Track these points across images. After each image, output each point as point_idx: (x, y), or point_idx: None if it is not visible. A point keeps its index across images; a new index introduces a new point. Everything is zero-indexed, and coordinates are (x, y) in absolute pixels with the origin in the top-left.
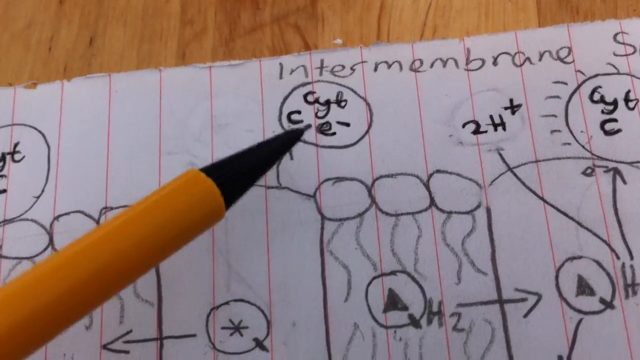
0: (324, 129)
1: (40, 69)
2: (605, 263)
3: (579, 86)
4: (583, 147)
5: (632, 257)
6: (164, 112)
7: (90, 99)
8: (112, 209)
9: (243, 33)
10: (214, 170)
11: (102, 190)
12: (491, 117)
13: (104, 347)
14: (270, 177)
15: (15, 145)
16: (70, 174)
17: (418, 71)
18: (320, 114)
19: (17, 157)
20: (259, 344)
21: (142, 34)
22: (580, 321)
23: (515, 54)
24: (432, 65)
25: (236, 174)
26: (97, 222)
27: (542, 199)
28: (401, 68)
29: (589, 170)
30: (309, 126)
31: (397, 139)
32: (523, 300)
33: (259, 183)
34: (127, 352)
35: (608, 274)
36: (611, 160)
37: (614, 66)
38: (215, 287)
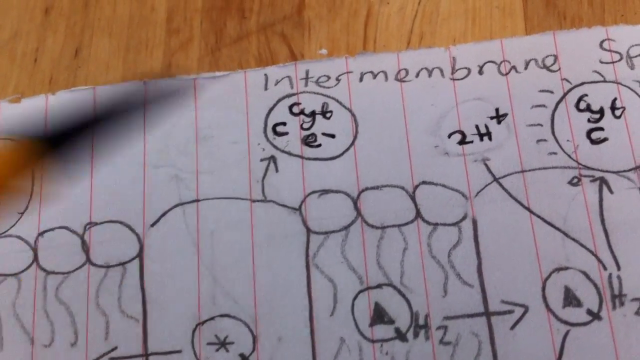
0: (309, 141)
1: (26, 80)
2: (592, 274)
3: (564, 94)
4: (569, 156)
5: (619, 268)
6: (148, 124)
7: (75, 112)
8: (96, 224)
9: (229, 42)
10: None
11: (87, 205)
12: (477, 126)
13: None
14: (255, 190)
15: None
16: (54, 189)
17: (403, 81)
18: (305, 125)
19: None
20: (245, 359)
21: (127, 43)
22: (567, 333)
23: (501, 62)
24: (417, 75)
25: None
26: (82, 237)
27: (528, 209)
28: (387, 78)
29: (575, 180)
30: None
31: (383, 150)
32: (510, 312)
33: (244, 196)
34: None
35: (595, 285)
36: (597, 170)
37: (600, 74)
38: (201, 302)
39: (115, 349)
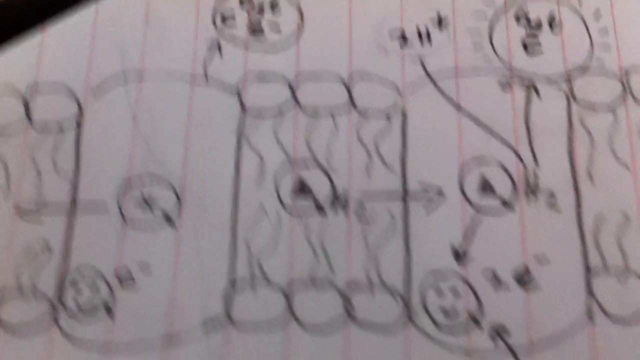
0: (255, 30)
1: None
2: (510, 167)
3: (505, 4)
4: (503, 62)
5: (537, 164)
6: (100, 21)
7: None
8: (39, 84)
9: None
10: None
11: (33, 65)
12: (417, 27)
13: (18, 212)
14: (197, 70)
15: None
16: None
17: None
18: (253, 16)
19: None
20: (168, 218)
21: None
22: (479, 220)
23: None
24: None
25: None
26: (24, 97)
27: (457, 106)
28: None
29: (506, 84)
30: None
31: (325, 41)
32: (426, 197)
33: (185, 75)
34: (39, 218)
35: (511, 178)
36: (529, 78)
37: None
38: (132, 166)
39: (44, 199)
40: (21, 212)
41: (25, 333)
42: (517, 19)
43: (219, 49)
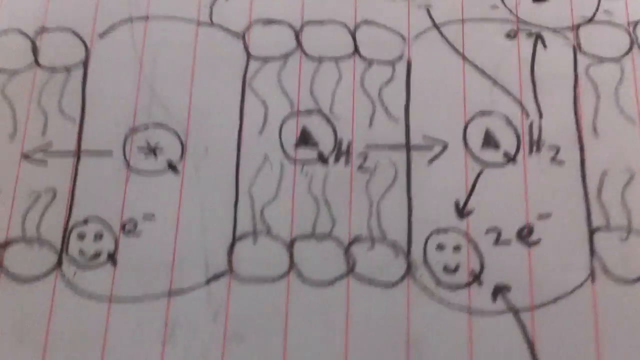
0: None
1: None
2: (514, 120)
3: None
4: (510, 10)
5: (541, 116)
6: None
7: None
8: (47, 29)
9: None
10: None
11: (40, 10)
12: None
13: (24, 156)
14: (203, 13)
15: None
16: None
17: None
18: None
19: None
20: (172, 166)
21: None
22: (481, 171)
23: None
24: None
25: None
26: (32, 40)
27: (462, 55)
28: None
29: (512, 33)
30: None
31: None
32: (429, 147)
33: (191, 18)
34: (44, 162)
35: (515, 130)
36: (535, 25)
37: None
38: (137, 110)
39: (50, 143)
40: (27, 155)
41: (28, 280)
42: None
43: None
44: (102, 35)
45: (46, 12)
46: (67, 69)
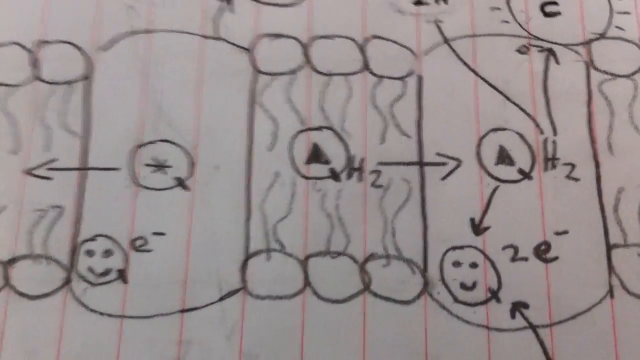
0: None
1: None
2: (528, 136)
3: None
4: (521, 26)
5: (555, 133)
6: None
7: None
8: (47, 42)
9: None
10: None
11: (38, 23)
12: None
13: (28, 172)
14: (207, 27)
15: None
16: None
17: None
18: None
19: None
20: (181, 183)
21: None
22: (496, 188)
23: None
24: None
25: None
26: (32, 54)
27: (473, 71)
28: None
29: (523, 49)
30: None
31: (338, 1)
32: (443, 164)
33: (196, 32)
34: (49, 178)
35: (530, 147)
36: (547, 41)
37: None
38: (143, 126)
39: (54, 160)
40: (31, 171)
41: (37, 297)
42: None
43: (231, 2)
44: (104, 48)
45: (44, 25)
46: (69, 83)
